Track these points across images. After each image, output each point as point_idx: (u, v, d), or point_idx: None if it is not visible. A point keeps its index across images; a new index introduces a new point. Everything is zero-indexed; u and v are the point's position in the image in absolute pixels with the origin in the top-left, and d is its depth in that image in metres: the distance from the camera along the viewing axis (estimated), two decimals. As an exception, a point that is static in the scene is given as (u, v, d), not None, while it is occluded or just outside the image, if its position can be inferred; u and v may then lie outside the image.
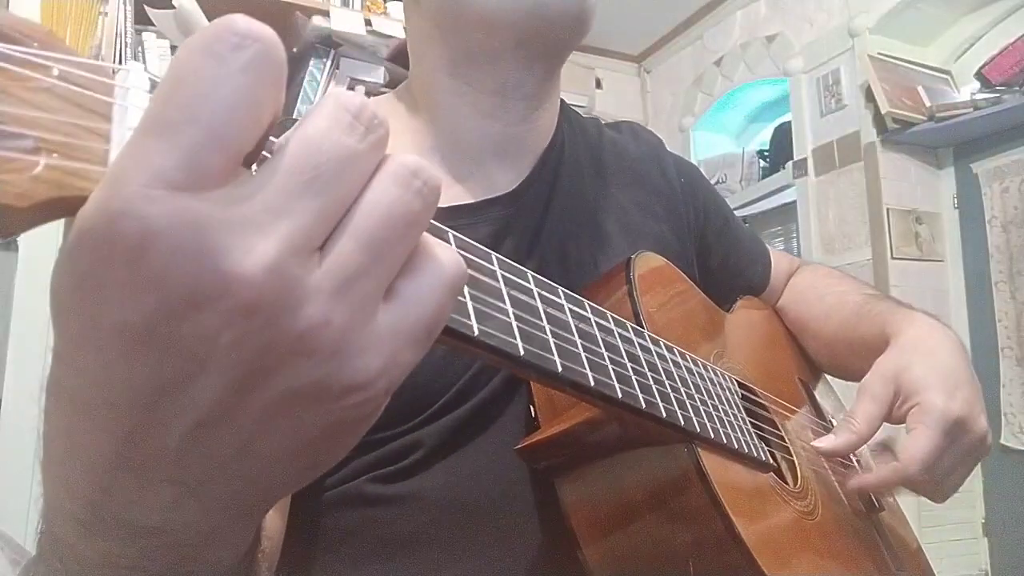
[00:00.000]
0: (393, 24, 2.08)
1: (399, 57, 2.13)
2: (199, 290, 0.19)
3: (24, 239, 2.25)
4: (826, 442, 0.57)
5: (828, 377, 0.83)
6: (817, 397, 0.78)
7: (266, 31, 0.20)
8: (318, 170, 0.20)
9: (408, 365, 0.23)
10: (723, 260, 0.78)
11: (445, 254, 0.24)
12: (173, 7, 1.70)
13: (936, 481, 0.56)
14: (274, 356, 0.20)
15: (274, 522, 0.50)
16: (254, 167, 0.21)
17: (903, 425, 0.60)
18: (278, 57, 0.20)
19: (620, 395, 0.37)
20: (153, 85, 0.21)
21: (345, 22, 2.01)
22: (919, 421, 0.57)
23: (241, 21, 0.19)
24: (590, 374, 0.35)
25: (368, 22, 2.04)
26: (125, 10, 1.77)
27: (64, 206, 0.19)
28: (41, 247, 2.21)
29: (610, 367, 0.37)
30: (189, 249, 0.18)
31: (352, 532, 0.54)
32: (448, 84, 0.61)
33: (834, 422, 0.76)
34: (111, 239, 0.18)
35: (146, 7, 1.75)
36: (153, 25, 1.78)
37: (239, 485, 0.23)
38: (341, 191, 0.21)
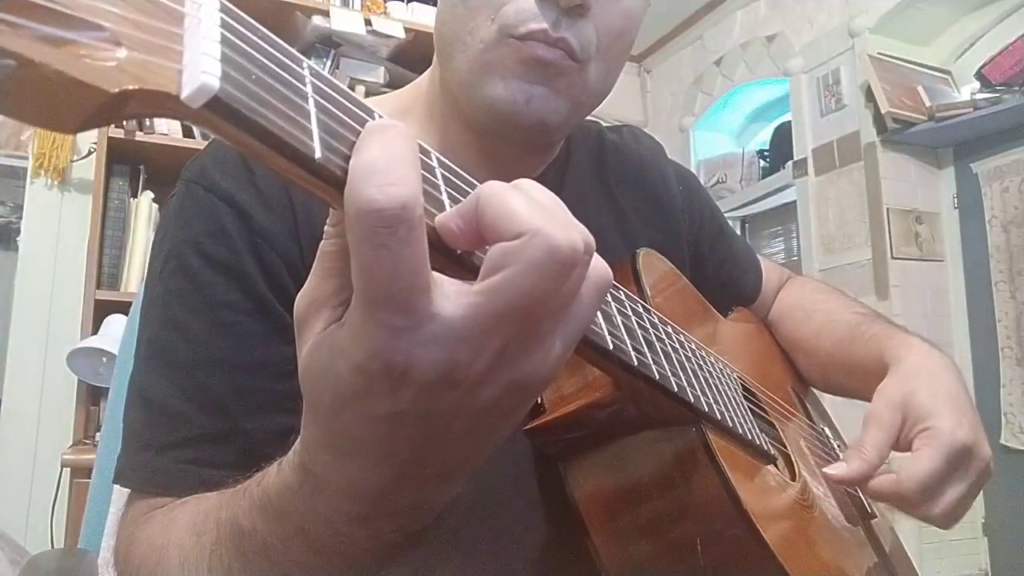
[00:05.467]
0: (393, 24, 2.08)
1: (400, 57, 2.13)
2: (439, 394, 0.27)
3: (24, 239, 2.25)
4: (837, 469, 0.56)
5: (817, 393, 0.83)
6: (809, 408, 0.78)
7: (406, 195, 0.24)
8: (525, 311, 0.26)
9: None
10: (716, 268, 0.78)
11: (599, 270, 0.30)
12: (174, 6, 1.70)
13: (933, 504, 0.56)
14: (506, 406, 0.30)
15: None
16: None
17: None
18: (417, 214, 0.24)
19: (636, 363, 0.37)
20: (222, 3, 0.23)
21: (345, 22, 2.01)
22: (925, 444, 0.57)
23: (379, 197, 0.23)
24: (608, 338, 0.35)
25: (368, 22, 2.04)
26: (126, 9, 1.77)
27: (143, 100, 0.20)
28: (41, 247, 2.21)
29: (624, 335, 0.38)
30: (437, 367, 0.26)
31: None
32: (444, 102, 0.61)
33: (826, 431, 0.76)
34: (384, 373, 0.26)
35: (147, 6, 1.75)
36: (154, 24, 1.78)
37: (468, 468, 0.33)
38: (552, 312, 0.28)
